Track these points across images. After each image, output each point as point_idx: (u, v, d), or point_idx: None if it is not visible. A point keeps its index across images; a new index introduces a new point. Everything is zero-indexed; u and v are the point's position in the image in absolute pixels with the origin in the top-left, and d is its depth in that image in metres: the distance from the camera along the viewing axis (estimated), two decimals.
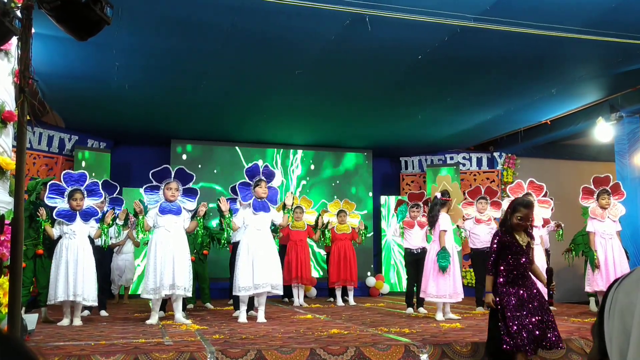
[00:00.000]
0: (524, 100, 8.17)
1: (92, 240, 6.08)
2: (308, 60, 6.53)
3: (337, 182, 11.18)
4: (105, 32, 2.92)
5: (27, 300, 5.94)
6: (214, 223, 8.95)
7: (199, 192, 6.23)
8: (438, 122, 9.35)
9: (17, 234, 2.70)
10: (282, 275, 6.21)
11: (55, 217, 5.82)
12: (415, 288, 6.98)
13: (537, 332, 3.72)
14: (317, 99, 8.14)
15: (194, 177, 6.21)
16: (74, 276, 5.70)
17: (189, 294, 6.07)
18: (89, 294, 5.78)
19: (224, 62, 6.61)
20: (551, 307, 4.71)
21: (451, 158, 11.28)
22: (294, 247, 8.36)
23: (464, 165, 11.17)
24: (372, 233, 10.80)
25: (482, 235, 7.22)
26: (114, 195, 6.89)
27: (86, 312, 6.57)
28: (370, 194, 11.32)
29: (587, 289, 6.95)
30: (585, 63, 6.80)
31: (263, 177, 6.11)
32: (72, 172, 6.18)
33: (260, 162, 6.37)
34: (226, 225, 6.24)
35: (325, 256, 9.48)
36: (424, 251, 6.96)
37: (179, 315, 5.93)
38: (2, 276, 3.28)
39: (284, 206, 6.44)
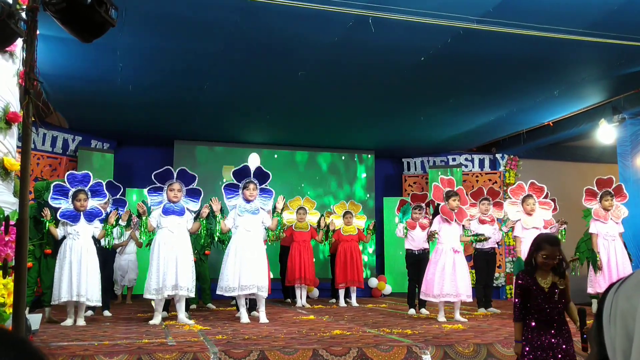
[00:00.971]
0: (527, 101, 8.16)
1: (96, 241, 6.10)
2: (311, 62, 6.54)
3: (339, 183, 11.19)
4: (109, 33, 2.92)
5: (31, 300, 5.96)
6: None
7: (202, 192, 6.23)
8: (440, 124, 9.35)
9: (21, 234, 2.70)
10: (268, 277, 6.20)
11: (60, 218, 5.84)
12: (416, 289, 6.98)
13: None
14: (320, 100, 8.15)
15: (197, 178, 6.21)
16: (77, 276, 5.72)
17: (192, 295, 6.08)
18: (92, 294, 5.81)
19: (228, 63, 6.63)
20: None
21: (453, 159, 11.26)
22: (297, 248, 8.37)
23: (466, 166, 11.15)
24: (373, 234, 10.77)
25: (486, 235, 7.21)
26: (118, 196, 6.91)
27: (90, 312, 6.59)
28: (369, 195, 11.31)
29: (590, 290, 6.95)
30: (587, 65, 6.80)
31: (253, 179, 6.11)
32: (76, 172, 6.20)
33: (256, 159, 6.32)
34: (216, 225, 6.24)
35: (330, 257, 9.48)
36: (425, 252, 6.96)
37: (182, 315, 5.94)
38: (7, 277, 3.29)
39: (274, 209, 6.44)
